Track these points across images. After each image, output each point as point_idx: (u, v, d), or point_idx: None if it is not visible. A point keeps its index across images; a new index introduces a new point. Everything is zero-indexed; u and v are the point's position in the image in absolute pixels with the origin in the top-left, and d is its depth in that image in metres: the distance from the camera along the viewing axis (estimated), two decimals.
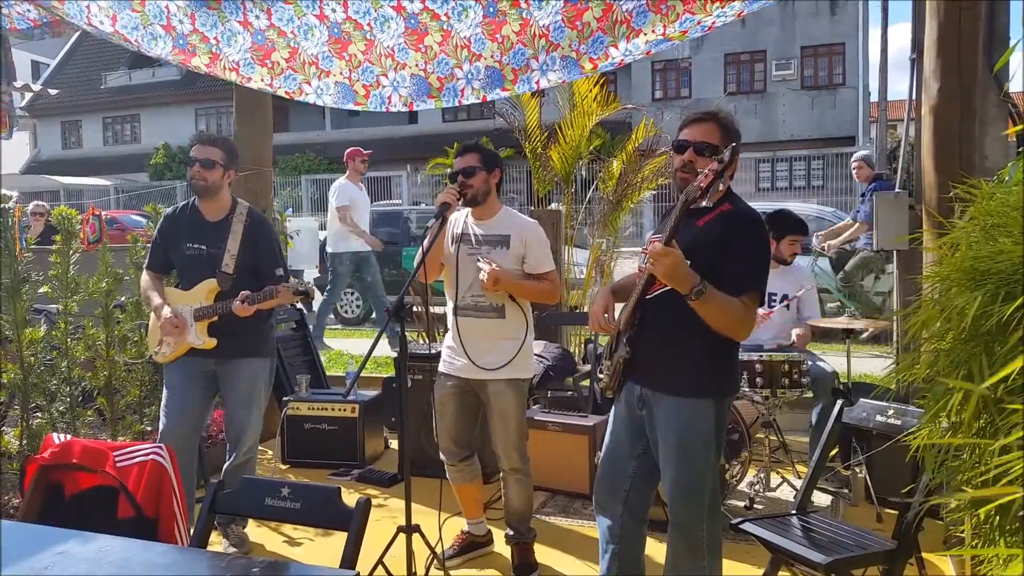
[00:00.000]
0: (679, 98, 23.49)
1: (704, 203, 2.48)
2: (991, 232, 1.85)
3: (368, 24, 4.03)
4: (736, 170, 2.63)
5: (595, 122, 6.73)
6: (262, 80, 4.28)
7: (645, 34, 3.58)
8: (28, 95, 21.58)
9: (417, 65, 4.14)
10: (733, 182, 2.75)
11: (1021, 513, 1.40)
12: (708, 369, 2.61)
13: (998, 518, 1.66)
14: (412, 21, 4.00)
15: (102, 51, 29.21)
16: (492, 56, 4.08)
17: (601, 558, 2.85)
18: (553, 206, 6.95)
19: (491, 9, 3.82)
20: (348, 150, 8.36)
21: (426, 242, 3.22)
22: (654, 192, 7.20)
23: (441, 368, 3.49)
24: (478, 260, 3.31)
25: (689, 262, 2.47)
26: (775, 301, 4.62)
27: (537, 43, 3.88)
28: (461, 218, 3.45)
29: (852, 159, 8.71)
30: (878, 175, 8.26)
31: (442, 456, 3.53)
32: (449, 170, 3.44)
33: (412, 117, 27.54)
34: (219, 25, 4.03)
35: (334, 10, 3.95)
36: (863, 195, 8.45)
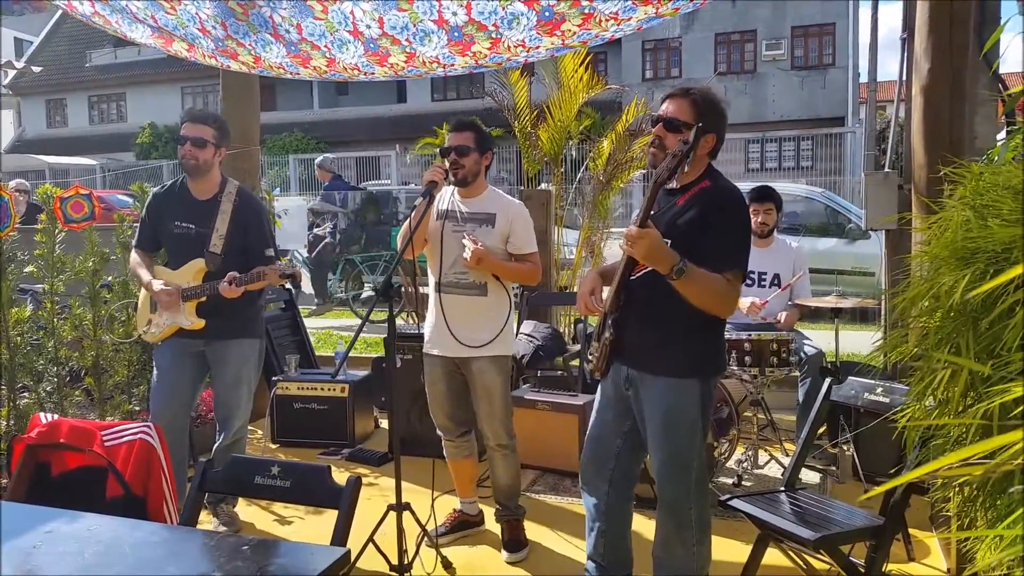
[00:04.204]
0: (669, 78, 23.42)
1: (673, 184, 2.52)
2: (981, 212, 1.86)
3: (326, 46, 4.01)
4: (711, 147, 2.63)
5: (582, 101, 6.70)
6: (384, 74, 4.33)
7: (636, 17, 3.54)
8: (11, 72, 21.27)
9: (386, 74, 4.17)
10: (722, 162, 2.75)
11: (1015, 489, 1.41)
12: (693, 348, 2.61)
13: (980, 496, 1.68)
14: (372, 45, 3.93)
15: (86, 28, 28.76)
16: (465, 66, 4.06)
17: (587, 535, 2.87)
18: (543, 186, 6.94)
19: (455, 35, 3.74)
20: None
21: (413, 219, 3.21)
22: (643, 171, 7.19)
23: (426, 349, 3.50)
24: (463, 237, 3.30)
25: (670, 241, 2.47)
26: (765, 280, 4.63)
27: (514, 50, 3.82)
28: (447, 194, 3.43)
29: (316, 162, 10.53)
30: (337, 176, 10.33)
31: (439, 432, 3.55)
32: (440, 146, 3.42)
33: (400, 96, 27.35)
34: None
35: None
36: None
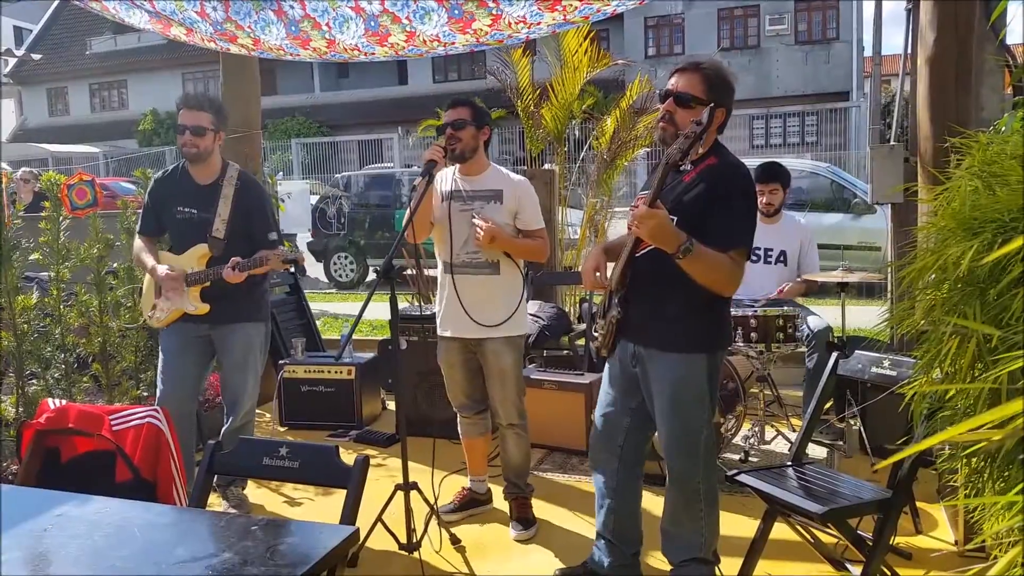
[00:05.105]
0: (672, 55, 23.23)
1: (685, 165, 2.52)
2: (988, 181, 1.84)
3: (327, 24, 3.98)
4: (721, 122, 2.61)
5: (585, 79, 6.65)
6: (385, 54, 4.32)
7: None
8: (12, 61, 21.22)
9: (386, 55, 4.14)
10: (726, 139, 2.73)
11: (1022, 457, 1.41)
12: (699, 324, 2.61)
13: (988, 468, 1.68)
14: (372, 24, 3.88)
15: (85, 15, 28.68)
16: (466, 44, 4.02)
17: (597, 512, 2.87)
18: (546, 166, 6.90)
19: (456, 12, 3.68)
20: None
21: (413, 201, 3.19)
22: (648, 150, 7.15)
23: (440, 331, 3.49)
24: (473, 216, 3.29)
25: (676, 218, 2.46)
26: (771, 257, 4.60)
27: (516, 27, 3.78)
28: (449, 175, 3.42)
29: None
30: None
31: (456, 410, 3.57)
32: (439, 126, 3.41)
33: (402, 78, 27.20)
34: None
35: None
36: None
